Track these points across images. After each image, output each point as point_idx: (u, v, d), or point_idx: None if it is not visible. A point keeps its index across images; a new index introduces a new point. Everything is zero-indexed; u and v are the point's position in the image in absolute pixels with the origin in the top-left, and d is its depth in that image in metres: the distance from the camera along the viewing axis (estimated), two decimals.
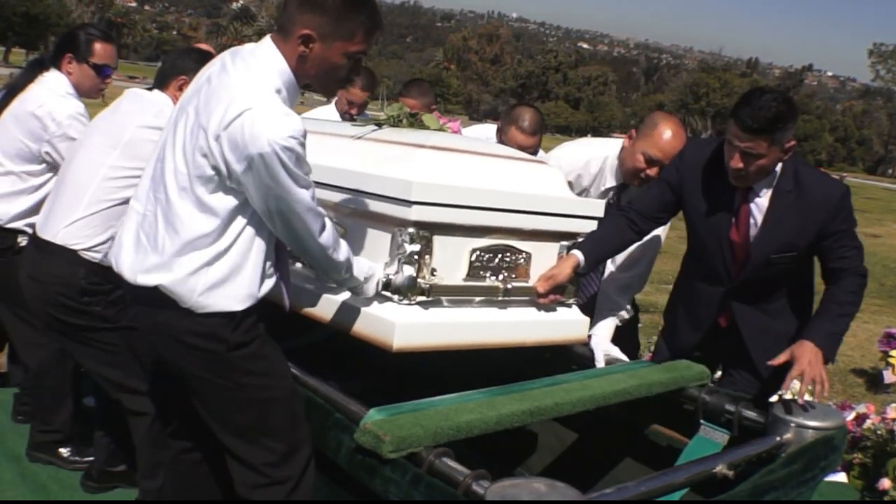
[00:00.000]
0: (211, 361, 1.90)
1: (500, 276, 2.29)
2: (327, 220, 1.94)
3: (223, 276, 1.87)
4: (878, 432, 3.49)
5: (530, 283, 2.37)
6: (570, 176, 3.01)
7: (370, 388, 2.35)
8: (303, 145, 1.82)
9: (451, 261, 2.18)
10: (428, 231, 2.11)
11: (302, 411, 1.99)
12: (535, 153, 3.21)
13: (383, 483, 1.80)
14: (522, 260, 2.34)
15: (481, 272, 2.25)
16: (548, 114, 62.73)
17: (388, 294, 2.13)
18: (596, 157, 3.08)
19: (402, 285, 2.11)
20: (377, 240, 2.18)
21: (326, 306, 2.24)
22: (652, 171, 2.85)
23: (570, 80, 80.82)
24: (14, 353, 3.34)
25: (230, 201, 1.85)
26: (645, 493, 1.86)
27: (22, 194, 2.93)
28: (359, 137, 2.37)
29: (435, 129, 2.52)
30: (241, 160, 1.77)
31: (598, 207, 2.48)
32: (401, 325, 2.08)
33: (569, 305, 2.51)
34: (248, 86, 1.82)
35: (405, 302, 2.12)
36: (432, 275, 2.14)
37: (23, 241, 2.89)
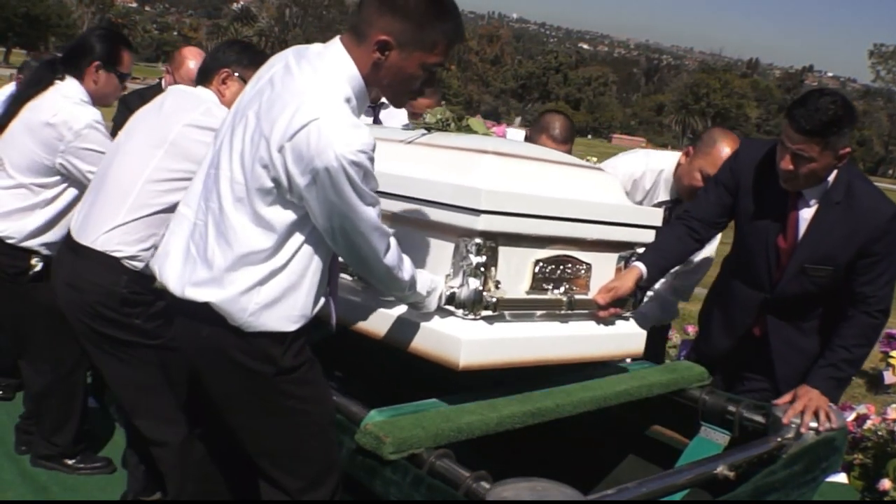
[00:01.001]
0: (256, 382, 1.81)
1: (562, 289, 2.18)
2: (392, 239, 1.82)
3: (277, 295, 1.76)
4: (879, 433, 3.48)
5: (590, 296, 2.26)
6: (624, 187, 2.95)
7: (371, 389, 2.35)
8: (372, 160, 1.69)
9: (514, 273, 2.06)
10: (494, 241, 1.98)
11: (335, 437, 1.91)
12: None
13: (384, 484, 1.80)
14: (583, 271, 2.23)
15: (544, 284, 2.13)
16: None
17: (450, 308, 2.00)
18: (651, 169, 3.02)
19: (468, 299, 1.98)
20: (437, 250, 2.05)
21: (380, 321, 2.11)
22: None
23: (570, 80, 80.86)
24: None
25: (289, 216, 1.74)
26: (646, 493, 1.86)
27: (35, 208, 2.76)
28: (410, 142, 2.25)
29: (483, 134, 2.44)
30: (305, 173, 1.66)
31: (657, 216, 2.37)
32: (467, 342, 1.95)
33: (626, 318, 2.39)
34: (316, 93, 1.69)
35: (470, 317, 1.99)
36: (496, 287, 2.01)
37: (37, 263, 2.78)
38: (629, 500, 1.83)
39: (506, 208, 1.95)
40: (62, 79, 2.80)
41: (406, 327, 2.05)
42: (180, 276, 1.82)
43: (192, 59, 3.69)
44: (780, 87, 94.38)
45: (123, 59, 2.87)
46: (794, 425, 2.23)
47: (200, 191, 1.85)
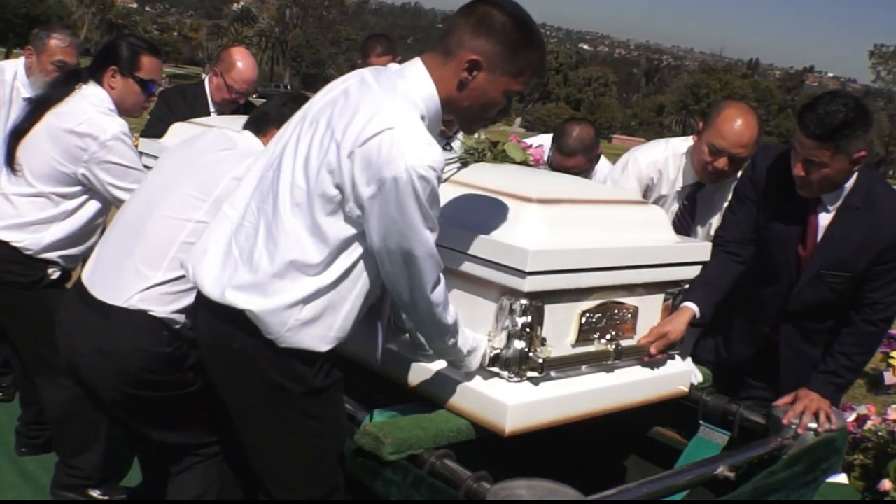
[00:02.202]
0: (281, 399, 1.76)
1: (608, 336, 2.09)
2: (442, 276, 1.75)
3: (318, 313, 1.72)
4: (879, 433, 3.48)
5: (636, 339, 2.19)
6: (646, 180, 2.90)
7: (371, 389, 2.35)
8: (439, 180, 1.65)
9: (560, 327, 1.99)
10: (540, 301, 1.90)
11: (342, 455, 1.88)
12: (585, 174, 3.08)
13: (384, 485, 1.81)
14: (629, 316, 2.15)
15: (590, 335, 2.06)
16: (548, 115, 62.78)
17: (493, 369, 1.93)
18: (674, 154, 2.92)
19: (513, 361, 1.91)
20: (477, 307, 1.95)
21: (421, 376, 2.05)
22: (719, 163, 2.69)
23: (570, 81, 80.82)
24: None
25: (345, 230, 1.68)
26: (646, 494, 1.86)
27: (54, 221, 2.64)
28: (444, 180, 2.08)
29: (520, 161, 2.40)
30: (371, 182, 1.61)
31: (705, 251, 2.31)
32: (514, 407, 1.90)
33: (673, 357, 2.32)
34: (393, 104, 1.67)
35: (515, 379, 1.92)
36: (542, 345, 1.93)
37: (53, 272, 2.68)
38: (630, 500, 1.83)
39: (553, 266, 1.88)
40: (86, 82, 2.68)
41: (448, 385, 1.99)
42: (218, 278, 1.77)
43: (240, 61, 3.65)
44: (781, 87, 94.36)
45: (142, 65, 2.71)
46: (794, 426, 2.23)
47: (251, 192, 1.81)
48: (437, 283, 1.74)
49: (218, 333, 1.80)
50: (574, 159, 3.07)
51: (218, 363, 1.85)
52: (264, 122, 2.27)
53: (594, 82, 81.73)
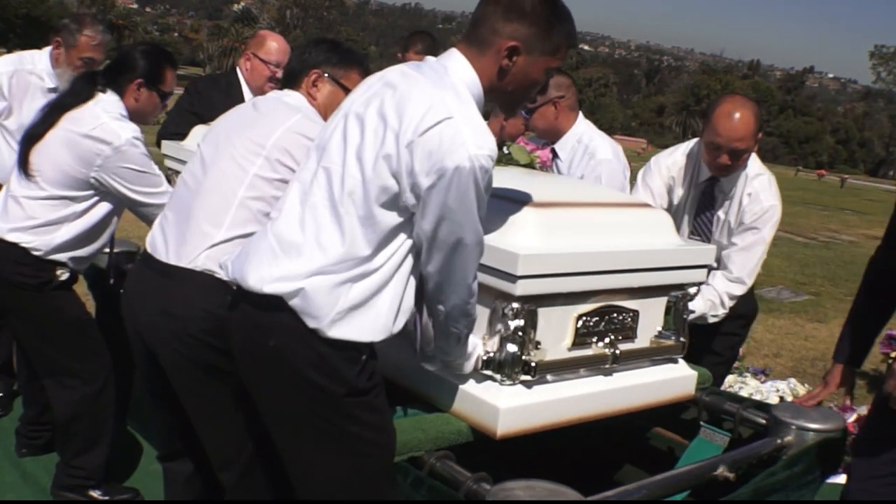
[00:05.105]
0: (324, 402, 1.70)
1: (607, 340, 2.08)
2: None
3: (366, 296, 1.68)
4: None
5: (636, 342, 2.17)
6: (668, 179, 2.96)
7: None
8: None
9: (555, 331, 1.98)
10: (533, 304, 1.90)
11: (393, 472, 1.80)
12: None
13: None
14: (629, 319, 2.14)
15: (588, 339, 2.05)
16: None
17: (487, 372, 1.93)
18: (690, 154, 2.95)
19: (506, 364, 1.91)
20: None
21: (417, 377, 2.04)
22: (721, 160, 2.70)
23: None
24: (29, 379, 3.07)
25: (395, 218, 1.67)
26: (646, 495, 1.86)
27: (63, 222, 2.64)
28: None
29: (525, 164, 2.38)
30: (430, 173, 1.59)
31: (709, 255, 2.29)
32: (505, 411, 1.90)
33: (675, 361, 2.31)
34: (448, 93, 1.66)
35: (508, 382, 1.92)
36: (536, 349, 1.93)
37: (62, 274, 2.67)
38: (629, 501, 1.83)
39: (545, 270, 1.88)
40: (103, 91, 2.69)
41: (442, 388, 1.99)
42: (260, 271, 1.72)
43: (268, 36, 3.65)
44: (781, 88, 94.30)
45: (167, 79, 2.78)
46: (793, 426, 2.23)
47: (293, 189, 1.79)
48: (476, 275, 1.74)
49: (256, 328, 1.74)
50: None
51: (252, 362, 1.78)
52: (296, 75, 2.30)
53: (595, 83, 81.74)
